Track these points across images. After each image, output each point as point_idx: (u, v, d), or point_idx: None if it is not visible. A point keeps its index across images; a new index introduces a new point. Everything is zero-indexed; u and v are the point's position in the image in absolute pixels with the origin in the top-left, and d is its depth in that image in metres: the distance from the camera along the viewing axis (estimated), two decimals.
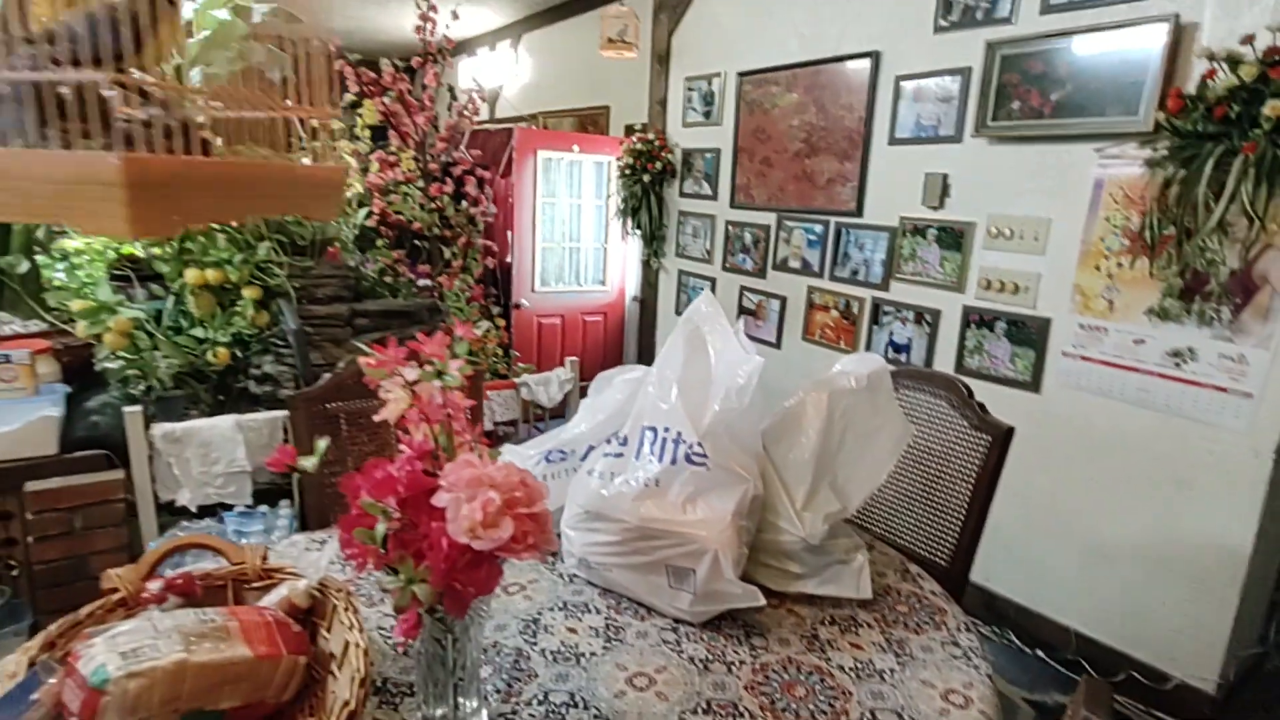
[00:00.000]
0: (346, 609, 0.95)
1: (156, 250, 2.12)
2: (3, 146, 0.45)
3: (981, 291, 2.39)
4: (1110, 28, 1.99)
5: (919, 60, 2.51)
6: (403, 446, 0.91)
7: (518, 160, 4.56)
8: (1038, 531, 2.29)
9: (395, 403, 0.95)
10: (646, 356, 4.09)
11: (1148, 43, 1.91)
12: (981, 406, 1.50)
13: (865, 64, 2.68)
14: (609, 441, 1.25)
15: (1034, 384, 2.26)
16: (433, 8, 3.02)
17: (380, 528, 0.77)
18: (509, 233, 4.63)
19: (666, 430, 1.15)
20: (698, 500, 1.12)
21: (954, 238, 2.45)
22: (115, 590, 0.98)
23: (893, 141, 2.63)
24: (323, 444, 0.88)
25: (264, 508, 2.06)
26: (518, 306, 4.67)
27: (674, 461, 1.12)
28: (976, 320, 2.41)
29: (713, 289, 3.53)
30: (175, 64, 0.57)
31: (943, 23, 2.43)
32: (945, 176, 2.46)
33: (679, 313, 3.80)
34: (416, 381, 0.89)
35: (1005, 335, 2.33)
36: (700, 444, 1.12)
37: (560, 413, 2.77)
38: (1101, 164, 2.05)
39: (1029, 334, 2.27)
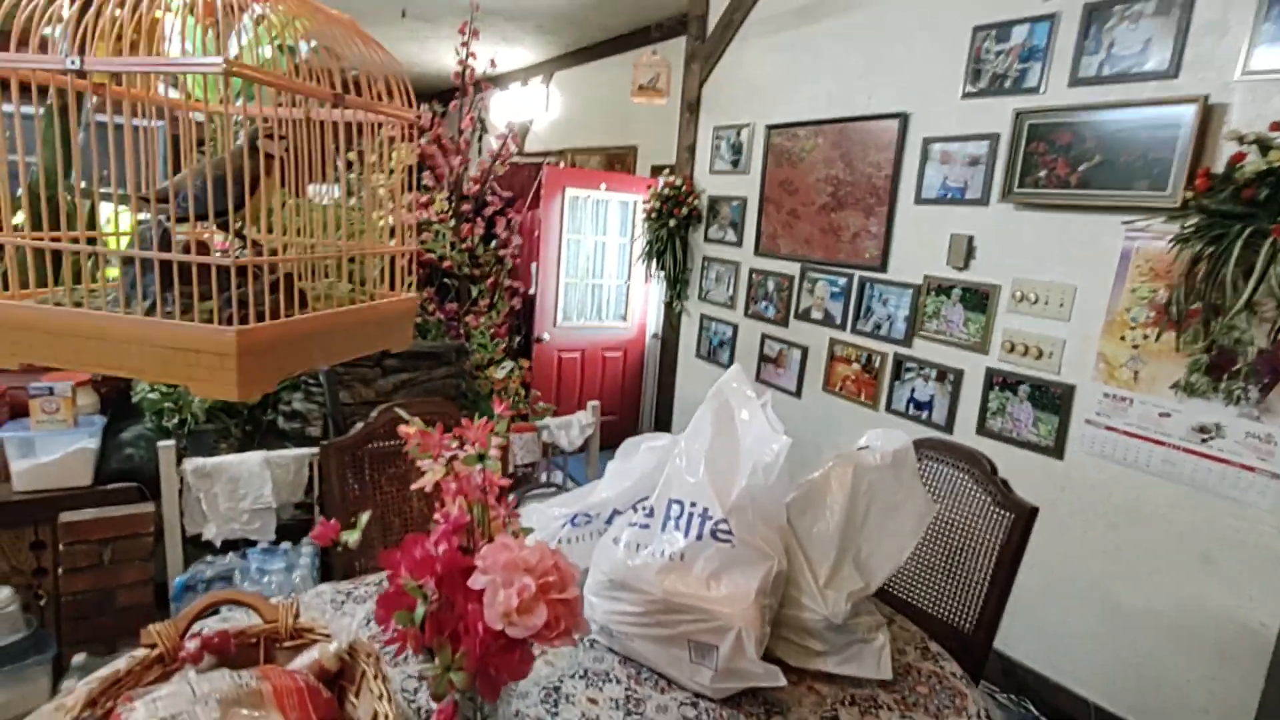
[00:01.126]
0: (375, 675, 0.97)
1: None
2: (126, 311, 0.49)
3: (1005, 354, 2.39)
4: (1139, 104, 2.01)
5: (947, 123, 2.55)
6: (438, 517, 0.94)
7: (545, 196, 4.65)
8: (1057, 597, 2.27)
9: (432, 474, 0.98)
10: (666, 396, 4.10)
11: (1177, 120, 1.93)
12: (1005, 484, 1.50)
13: (894, 124, 2.73)
14: (635, 510, 1.27)
15: (1057, 450, 2.26)
16: (471, 54, 3.11)
17: (420, 610, 0.79)
18: (534, 265, 4.70)
19: (693, 505, 1.16)
20: (722, 576, 1.13)
21: (978, 299, 2.46)
22: (154, 645, 1.00)
23: (919, 200, 2.66)
24: (364, 517, 0.91)
25: (286, 545, 2.09)
26: (539, 340, 4.72)
27: (699, 537, 1.14)
28: (1000, 382, 2.41)
29: (734, 335, 3.56)
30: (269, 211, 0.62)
31: (970, 89, 2.47)
32: (971, 238, 2.48)
33: (699, 354, 3.83)
34: (455, 459, 0.92)
35: (1028, 399, 2.33)
36: (726, 520, 1.14)
37: (582, 448, 2.78)
38: (1129, 236, 2.07)
39: (1052, 399, 2.26)
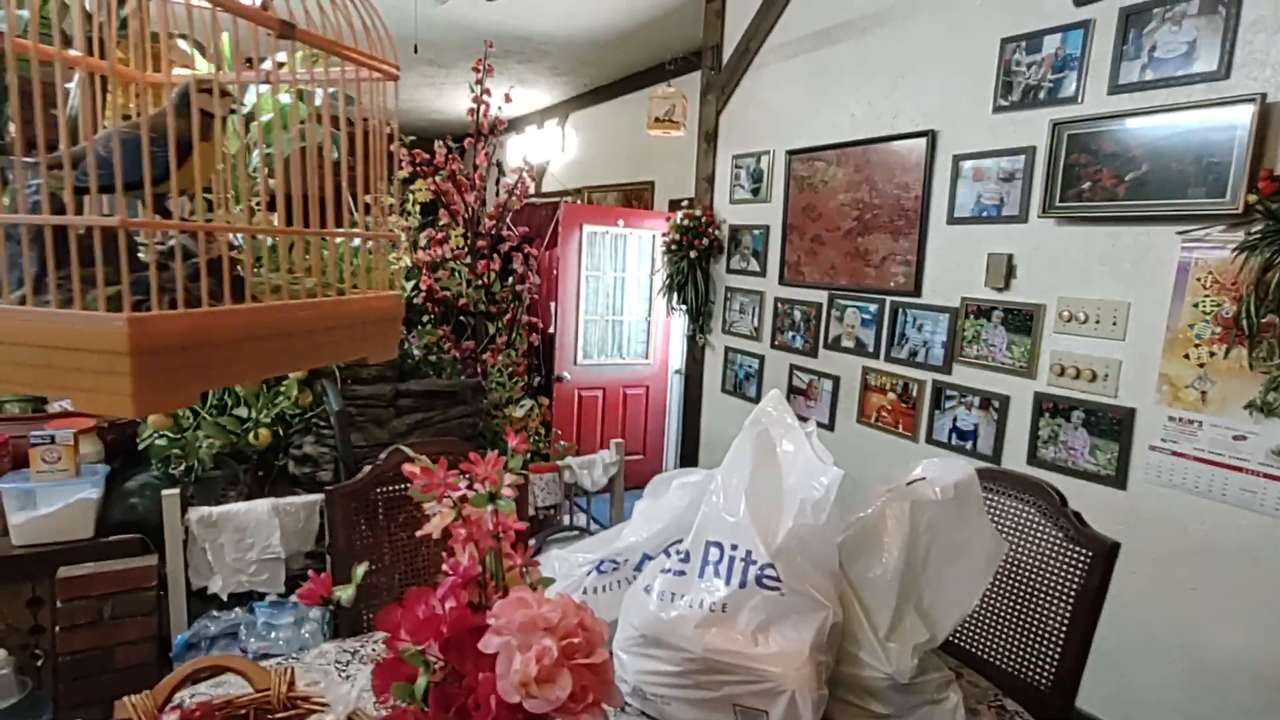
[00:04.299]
0: None
1: None
2: None
3: (1054, 377, 2.24)
4: (1189, 108, 1.90)
5: (978, 139, 2.45)
6: (446, 569, 0.82)
7: (563, 234, 4.61)
8: (1129, 643, 2.07)
9: (439, 518, 0.87)
10: (691, 433, 3.97)
11: (1232, 122, 1.81)
12: (1078, 517, 1.35)
13: (921, 143, 2.63)
14: (667, 554, 1.14)
15: (1118, 479, 2.09)
16: (486, 91, 3.09)
17: (422, 682, 0.67)
18: (552, 304, 4.64)
19: (734, 548, 1.03)
20: (770, 630, 1.00)
21: (1022, 320, 2.33)
22: None
23: (952, 220, 2.55)
24: (360, 571, 0.79)
25: (295, 598, 1.97)
26: (559, 379, 4.63)
27: (743, 584, 1.00)
28: (1050, 408, 2.25)
29: (761, 367, 3.43)
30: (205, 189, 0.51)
31: (1003, 102, 2.37)
32: (1010, 257, 2.36)
33: (725, 389, 3.70)
34: (465, 500, 0.81)
35: (1083, 425, 2.17)
36: (772, 564, 1.01)
37: (606, 489, 2.65)
38: (1186, 246, 1.93)
39: (1110, 425, 2.10)
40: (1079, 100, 2.17)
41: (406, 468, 0.92)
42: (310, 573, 0.75)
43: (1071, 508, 1.37)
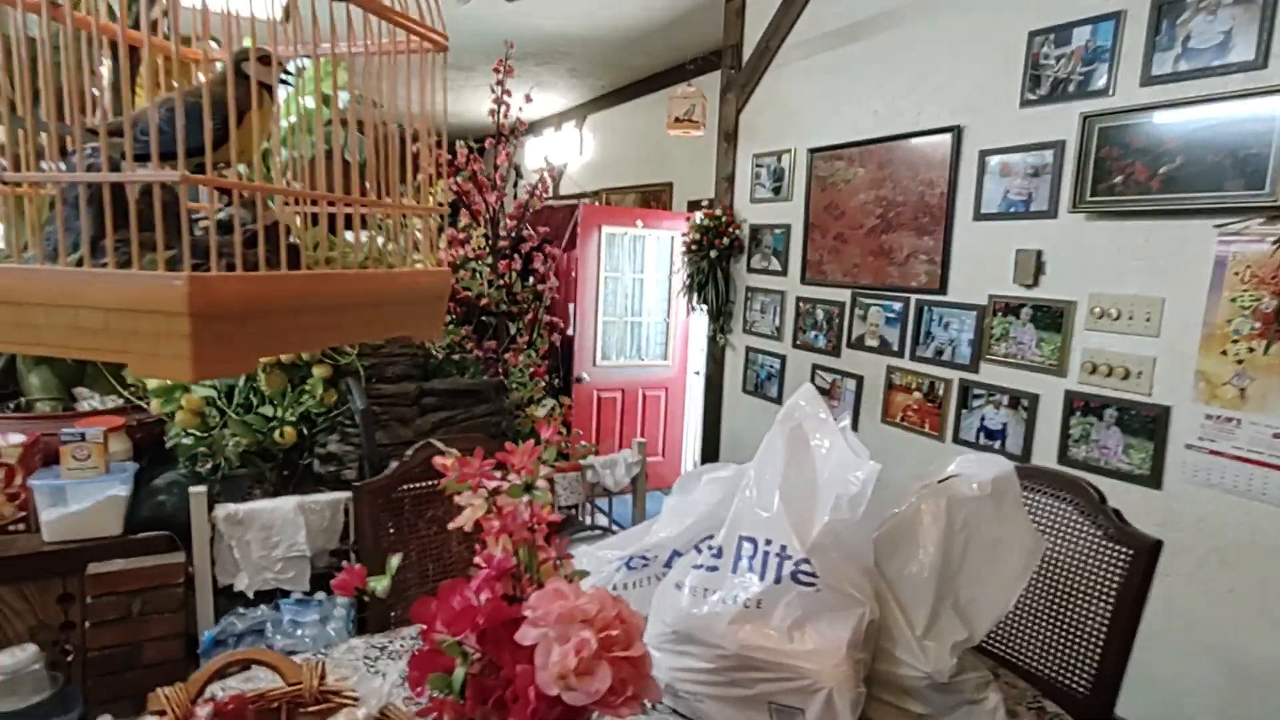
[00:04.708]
0: None
1: None
2: (50, 264, 0.38)
3: (1086, 375, 2.20)
4: (1225, 98, 1.85)
5: (1005, 134, 2.41)
6: (479, 561, 0.81)
7: (581, 235, 4.61)
8: (1168, 646, 2.02)
9: (472, 511, 0.86)
10: (711, 434, 3.95)
11: (1271, 113, 1.77)
12: (1117, 514, 1.32)
13: (946, 139, 2.60)
14: (698, 550, 1.12)
15: (1153, 479, 2.04)
16: (506, 92, 3.10)
17: (459, 672, 0.66)
18: (571, 306, 4.64)
19: (768, 543, 1.02)
20: (806, 626, 0.98)
21: (1051, 317, 2.28)
22: (162, 713, 0.88)
23: (978, 217, 2.51)
24: (395, 561, 0.79)
25: (321, 595, 1.97)
26: (579, 380, 4.62)
27: (778, 580, 0.99)
28: (1081, 406, 2.21)
29: (782, 367, 3.40)
30: (264, 152, 0.51)
31: (1030, 96, 2.34)
32: (1039, 253, 2.32)
33: (746, 389, 3.68)
34: (498, 492, 0.80)
35: (1116, 424, 2.13)
36: (808, 559, 0.99)
37: (628, 490, 2.64)
38: (1223, 240, 1.88)
39: (1144, 423, 2.06)
40: (1110, 93, 2.13)
41: (437, 460, 0.92)
42: (344, 564, 0.74)
43: (1112, 506, 1.33)
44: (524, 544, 0.82)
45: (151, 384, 1.99)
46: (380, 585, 0.74)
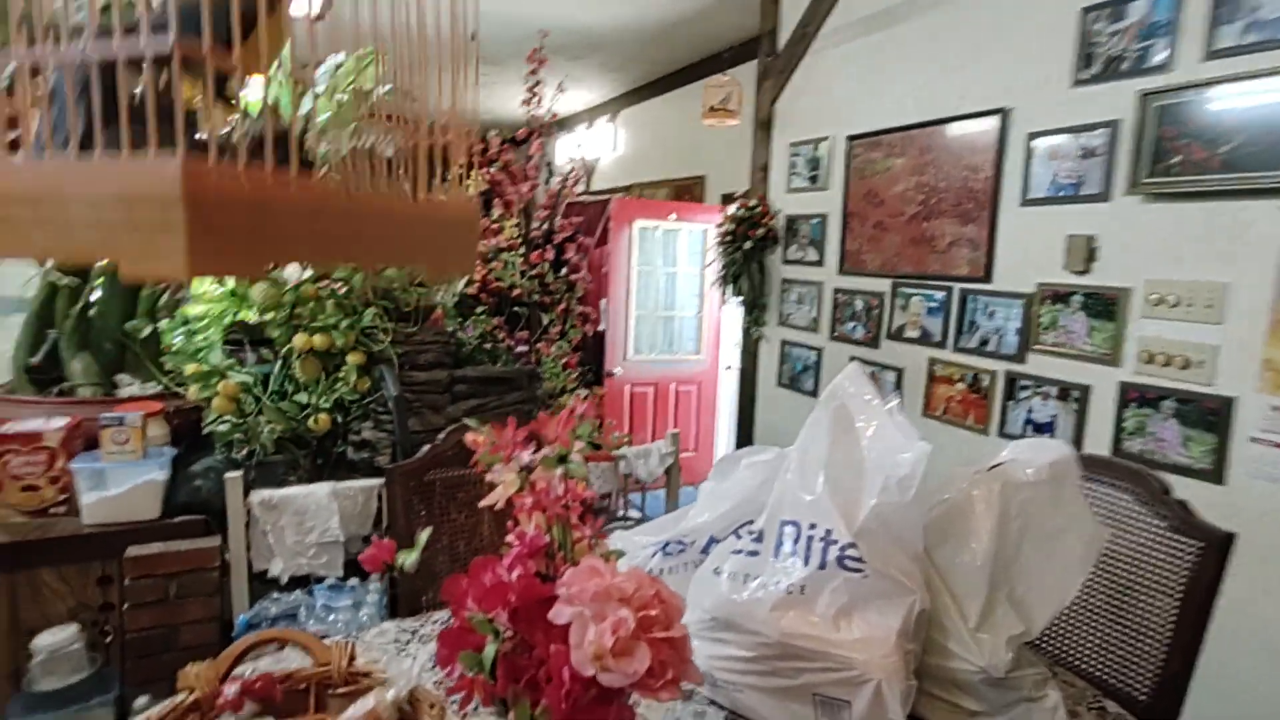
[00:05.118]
0: None
1: (269, 315, 2.14)
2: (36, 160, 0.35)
3: (1141, 365, 2.09)
4: None
5: (1055, 115, 2.32)
6: (511, 539, 0.78)
7: (614, 229, 4.58)
8: (1235, 648, 1.91)
9: (505, 487, 0.83)
10: (745, 429, 3.88)
11: None
12: (1183, 505, 1.24)
13: (991, 122, 2.51)
14: (738, 535, 1.08)
15: (1215, 473, 1.93)
16: (539, 82, 3.08)
17: (490, 650, 0.62)
18: (603, 301, 4.61)
19: (812, 527, 0.97)
20: (853, 614, 0.93)
21: (1104, 305, 2.19)
22: (190, 690, 0.87)
23: (1025, 202, 2.42)
24: (424, 536, 0.76)
25: (354, 581, 1.97)
26: (610, 375, 4.59)
27: (823, 565, 0.94)
28: (1136, 398, 2.11)
29: (819, 359, 3.33)
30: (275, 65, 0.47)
31: (1083, 75, 2.24)
32: (1091, 238, 2.22)
33: (781, 384, 3.61)
34: (533, 467, 0.77)
35: (1174, 416, 2.02)
36: (854, 544, 0.94)
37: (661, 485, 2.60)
38: None
39: (1205, 415, 1.95)
40: (1169, 69, 2.02)
41: (469, 436, 0.89)
42: (373, 538, 0.71)
43: (1176, 496, 1.25)
44: (557, 521, 0.79)
45: (189, 369, 2.01)
46: (409, 559, 0.72)
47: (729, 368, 4.97)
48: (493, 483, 0.86)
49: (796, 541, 0.97)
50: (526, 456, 0.73)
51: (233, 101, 0.42)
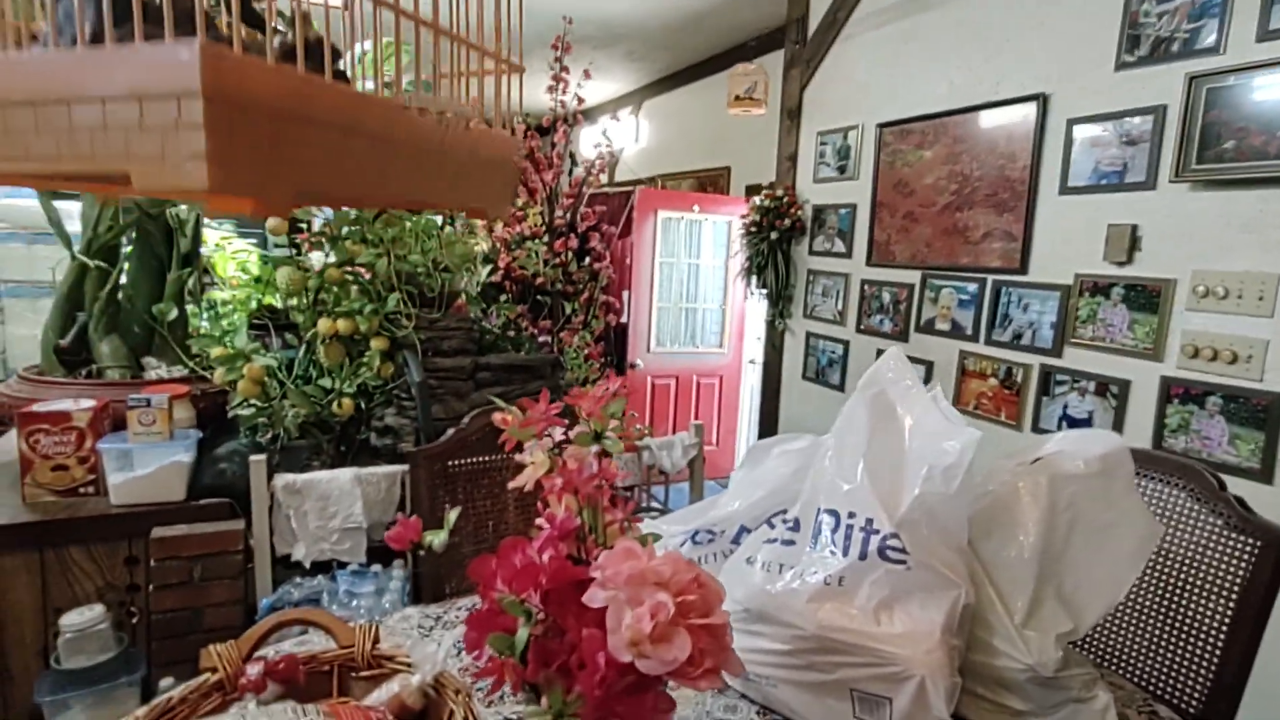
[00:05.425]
0: (466, 717, 0.78)
1: (294, 301, 2.14)
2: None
3: (1186, 360, 2.02)
4: None
5: (1097, 101, 2.24)
6: (541, 521, 0.75)
7: (637, 220, 4.54)
8: None
9: (534, 467, 0.80)
10: (768, 423, 3.84)
11: None
12: (1240, 502, 1.18)
13: (1029, 108, 2.43)
14: (771, 524, 1.04)
15: (1265, 473, 1.86)
16: (565, 69, 3.05)
17: (522, 633, 0.59)
18: (625, 293, 4.58)
19: (851, 516, 0.93)
20: (894, 607, 0.89)
21: (1147, 297, 2.11)
22: (213, 669, 0.85)
23: (1065, 190, 2.34)
24: (452, 515, 0.73)
25: (377, 567, 1.96)
26: (633, 367, 4.56)
27: (863, 556, 0.90)
28: (1180, 394, 2.04)
29: (845, 353, 3.27)
30: None
31: (1127, 58, 2.16)
32: (1134, 227, 2.15)
33: (805, 377, 3.56)
34: (565, 444, 0.74)
35: (1220, 413, 1.95)
36: (897, 534, 0.90)
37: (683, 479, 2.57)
38: None
39: (1254, 412, 1.88)
40: (1220, 50, 1.94)
41: (497, 416, 0.86)
42: (399, 516, 0.69)
43: (1232, 493, 1.20)
44: (588, 503, 0.76)
45: (215, 353, 2.01)
46: (437, 539, 0.69)
47: (751, 362, 4.92)
48: (522, 464, 0.83)
49: (835, 531, 0.93)
50: (560, 433, 0.70)
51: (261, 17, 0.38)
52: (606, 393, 0.72)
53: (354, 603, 1.85)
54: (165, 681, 1.70)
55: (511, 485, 0.82)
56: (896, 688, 0.85)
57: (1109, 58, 2.21)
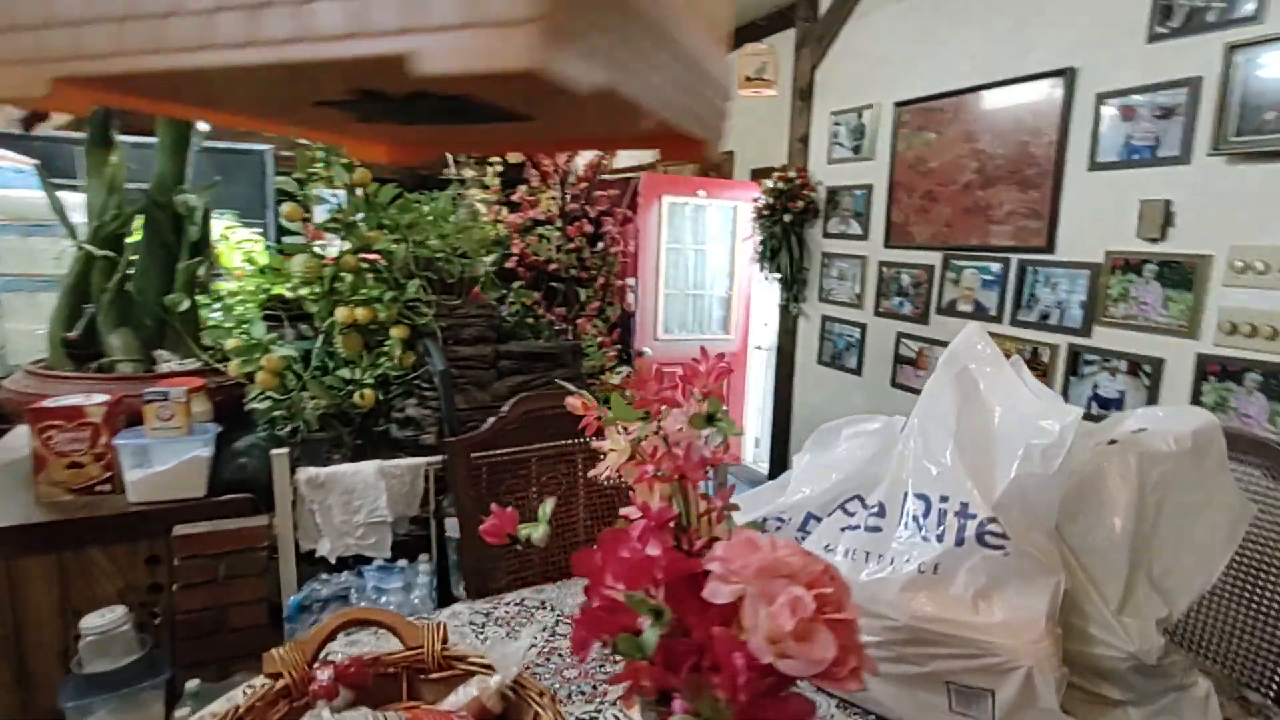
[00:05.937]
0: None
1: (307, 290, 2.07)
2: None
3: (1223, 336, 1.99)
4: None
5: (1128, 74, 2.20)
6: (633, 510, 0.70)
7: (642, 206, 4.47)
8: None
9: (615, 454, 0.75)
10: (782, 410, 3.80)
11: None
12: None
13: (1057, 83, 2.39)
14: (847, 511, 1.00)
15: None
16: None
17: (651, 634, 0.54)
18: (632, 280, 4.52)
19: (944, 500, 0.88)
20: (993, 595, 0.85)
21: (1182, 273, 2.08)
22: (278, 675, 0.80)
23: (1094, 166, 2.30)
24: (548, 506, 0.68)
25: (403, 562, 1.91)
26: (640, 354, 4.51)
27: (959, 542, 0.85)
28: (1217, 371, 2.01)
29: (863, 336, 3.23)
30: None
31: (1160, 29, 2.12)
32: (1168, 203, 2.11)
33: (821, 361, 3.52)
34: (661, 422, 0.68)
35: (1260, 390, 1.92)
36: (995, 519, 0.85)
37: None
38: None
39: None
40: (1259, 19, 1.90)
41: (570, 400, 0.81)
42: (493, 506, 0.63)
43: None
44: (679, 490, 0.71)
45: (230, 344, 1.94)
46: (536, 533, 0.64)
47: (758, 348, 4.88)
48: (597, 451, 0.78)
49: (926, 516, 0.88)
50: (686, 407, 0.64)
51: None
52: (712, 368, 0.66)
53: (382, 599, 1.81)
54: (191, 684, 1.64)
55: (593, 474, 0.77)
56: (1000, 680, 0.81)
57: (1140, 29, 2.17)
